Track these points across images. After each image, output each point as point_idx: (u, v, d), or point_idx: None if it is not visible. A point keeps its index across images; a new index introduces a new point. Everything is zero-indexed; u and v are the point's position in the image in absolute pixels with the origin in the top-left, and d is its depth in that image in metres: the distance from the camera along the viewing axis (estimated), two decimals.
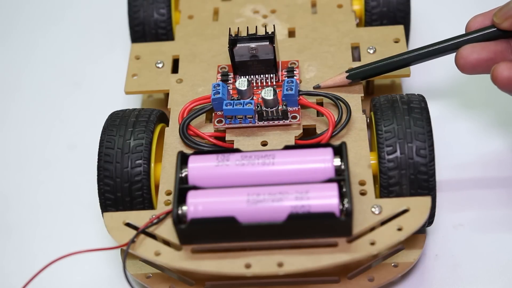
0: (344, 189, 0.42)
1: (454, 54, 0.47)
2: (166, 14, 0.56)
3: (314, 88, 0.50)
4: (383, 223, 0.43)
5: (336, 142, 0.46)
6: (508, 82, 0.44)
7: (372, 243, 0.42)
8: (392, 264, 0.47)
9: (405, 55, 0.48)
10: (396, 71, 0.50)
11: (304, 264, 0.42)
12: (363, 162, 0.46)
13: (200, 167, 0.44)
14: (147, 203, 0.46)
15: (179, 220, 0.43)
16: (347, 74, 0.49)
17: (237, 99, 0.48)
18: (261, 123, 0.48)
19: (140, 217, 0.45)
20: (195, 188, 0.44)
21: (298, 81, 0.50)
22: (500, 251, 0.49)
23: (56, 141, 0.60)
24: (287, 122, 0.48)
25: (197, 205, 0.43)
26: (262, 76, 0.50)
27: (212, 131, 0.49)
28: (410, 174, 0.44)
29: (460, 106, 0.57)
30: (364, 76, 0.49)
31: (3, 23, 0.70)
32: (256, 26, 0.52)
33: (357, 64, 0.51)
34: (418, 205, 0.44)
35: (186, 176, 0.44)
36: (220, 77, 0.51)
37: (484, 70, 0.46)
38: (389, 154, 0.45)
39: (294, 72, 0.50)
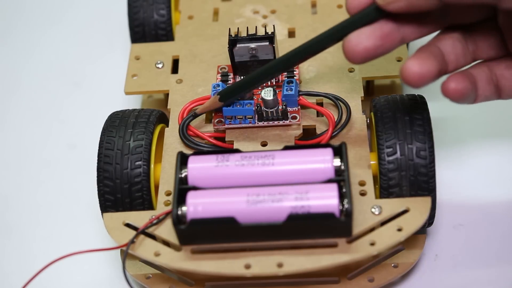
0: (344, 190, 0.42)
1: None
2: (166, 15, 0.56)
3: (191, 114, 0.48)
4: (383, 223, 0.43)
5: (336, 142, 0.46)
6: (420, 78, 0.40)
7: (372, 244, 0.42)
8: (392, 265, 0.47)
9: (279, 61, 0.44)
10: (395, 72, 0.50)
11: (303, 264, 0.42)
12: (363, 163, 0.46)
13: (200, 167, 0.44)
14: (147, 204, 0.46)
15: (179, 221, 0.43)
16: (219, 96, 0.47)
17: (237, 99, 0.48)
18: (261, 124, 0.48)
19: (140, 218, 0.45)
20: (195, 188, 0.44)
21: (298, 81, 0.50)
22: (500, 251, 0.49)
23: (56, 141, 0.60)
24: (287, 122, 0.48)
25: (197, 206, 0.43)
26: None
27: (212, 131, 0.49)
28: (410, 175, 0.44)
29: (460, 107, 0.57)
30: (234, 95, 0.46)
31: (3, 23, 0.70)
32: (256, 26, 0.52)
33: (356, 65, 0.51)
34: (418, 205, 0.44)
35: (186, 176, 0.44)
36: (220, 77, 0.51)
37: (374, 57, 0.41)
38: (389, 155, 0.44)
39: (294, 72, 0.50)
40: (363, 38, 0.40)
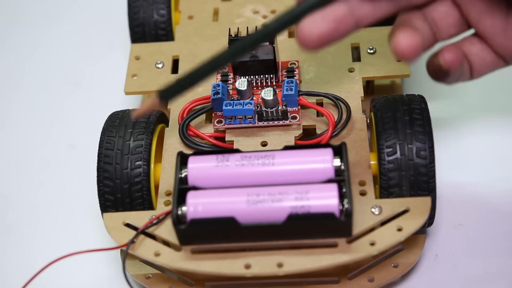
0: (344, 190, 0.42)
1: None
2: (166, 15, 0.56)
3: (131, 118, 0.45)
4: (383, 223, 0.43)
5: (336, 142, 0.46)
6: (411, 51, 0.39)
7: (372, 244, 0.42)
8: (392, 265, 0.47)
9: (225, 53, 0.40)
10: (395, 72, 0.50)
11: (304, 264, 0.42)
12: (363, 163, 0.46)
13: (199, 167, 0.44)
14: (147, 204, 0.46)
15: (179, 221, 0.43)
16: (158, 98, 0.41)
17: (237, 99, 0.48)
18: (261, 124, 0.48)
19: (140, 218, 0.45)
20: (195, 188, 0.44)
21: (298, 81, 0.50)
22: (500, 251, 0.49)
23: (56, 141, 0.60)
24: (287, 122, 0.48)
25: (197, 206, 0.43)
26: (262, 76, 0.50)
27: (212, 131, 0.49)
28: (410, 175, 0.44)
29: (460, 107, 0.57)
30: (178, 91, 0.41)
31: (3, 23, 0.70)
32: (256, 27, 0.52)
33: (357, 64, 0.51)
34: (418, 205, 0.44)
35: (186, 176, 0.44)
36: (220, 77, 0.51)
37: (329, 43, 0.39)
38: (389, 155, 0.44)
39: (294, 72, 0.50)
40: (317, 23, 0.38)
